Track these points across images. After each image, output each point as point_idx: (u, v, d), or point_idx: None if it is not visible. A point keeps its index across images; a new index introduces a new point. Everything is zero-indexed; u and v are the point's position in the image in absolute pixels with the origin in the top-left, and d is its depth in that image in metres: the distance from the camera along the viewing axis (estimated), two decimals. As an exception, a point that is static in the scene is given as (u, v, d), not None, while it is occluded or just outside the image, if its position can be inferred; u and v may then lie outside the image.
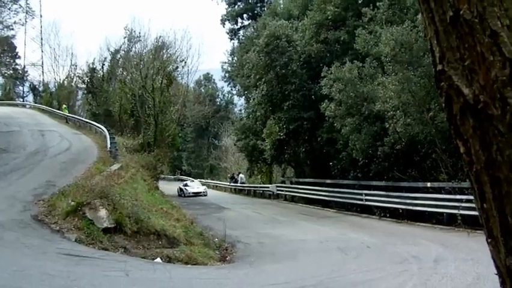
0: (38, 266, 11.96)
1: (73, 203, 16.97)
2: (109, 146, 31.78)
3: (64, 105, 56.75)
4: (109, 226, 15.97)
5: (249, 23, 59.85)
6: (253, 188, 50.74)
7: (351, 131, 30.36)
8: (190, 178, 70.18)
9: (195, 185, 55.75)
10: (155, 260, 14.80)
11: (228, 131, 70.49)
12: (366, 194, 29.55)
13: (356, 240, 20.47)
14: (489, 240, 1.38)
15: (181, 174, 78.93)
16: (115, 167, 25.92)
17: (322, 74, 32.39)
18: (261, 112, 42.24)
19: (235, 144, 56.48)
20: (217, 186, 63.41)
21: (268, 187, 45.92)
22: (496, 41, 1.24)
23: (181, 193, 50.94)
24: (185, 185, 54.96)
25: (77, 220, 16.29)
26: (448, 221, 23.17)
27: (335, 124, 31.80)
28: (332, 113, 31.53)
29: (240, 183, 54.78)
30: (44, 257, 13.00)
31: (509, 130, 1.23)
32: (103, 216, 16.41)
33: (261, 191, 47.68)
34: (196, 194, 50.11)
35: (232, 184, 57.20)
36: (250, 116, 47.07)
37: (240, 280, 14.00)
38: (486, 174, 1.30)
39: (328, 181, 35.19)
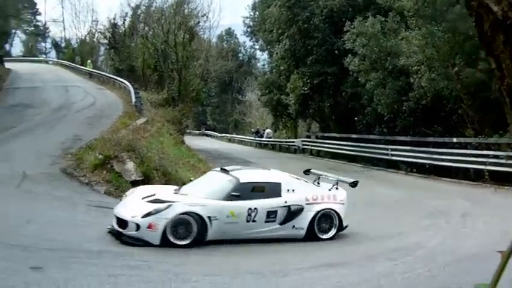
0: (68, 218, 12.47)
1: (100, 156, 17.35)
2: (133, 100, 31.47)
3: (89, 60, 56.58)
4: (137, 179, 16.35)
5: (271, -24, 58.99)
6: (278, 143, 50.40)
7: (376, 85, 30.39)
8: None
9: None
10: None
11: (252, 86, 69.82)
12: (392, 149, 29.55)
13: (383, 195, 20.78)
14: None
15: (206, 129, 78.52)
16: (141, 121, 26.07)
17: (345, 29, 32.34)
18: (284, 67, 42.10)
19: (259, 99, 56.17)
20: (242, 141, 63.21)
21: (293, 142, 45.72)
22: None
23: None
24: None
25: (105, 173, 16.75)
26: (475, 176, 23.26)
27: (359, 79, 31.90)
28: (356, 67, 31.57)
29: (267, 137, 53.89)
30: (74, 208, 13.52)
31: None
32: (130, 169, 16.86)
33: (287, 146, 47.48)
34: None
35: (257, 139, 56.64)
36: (274, 70, 46.81)
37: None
38: None
39: (353, 136, 35.11)
